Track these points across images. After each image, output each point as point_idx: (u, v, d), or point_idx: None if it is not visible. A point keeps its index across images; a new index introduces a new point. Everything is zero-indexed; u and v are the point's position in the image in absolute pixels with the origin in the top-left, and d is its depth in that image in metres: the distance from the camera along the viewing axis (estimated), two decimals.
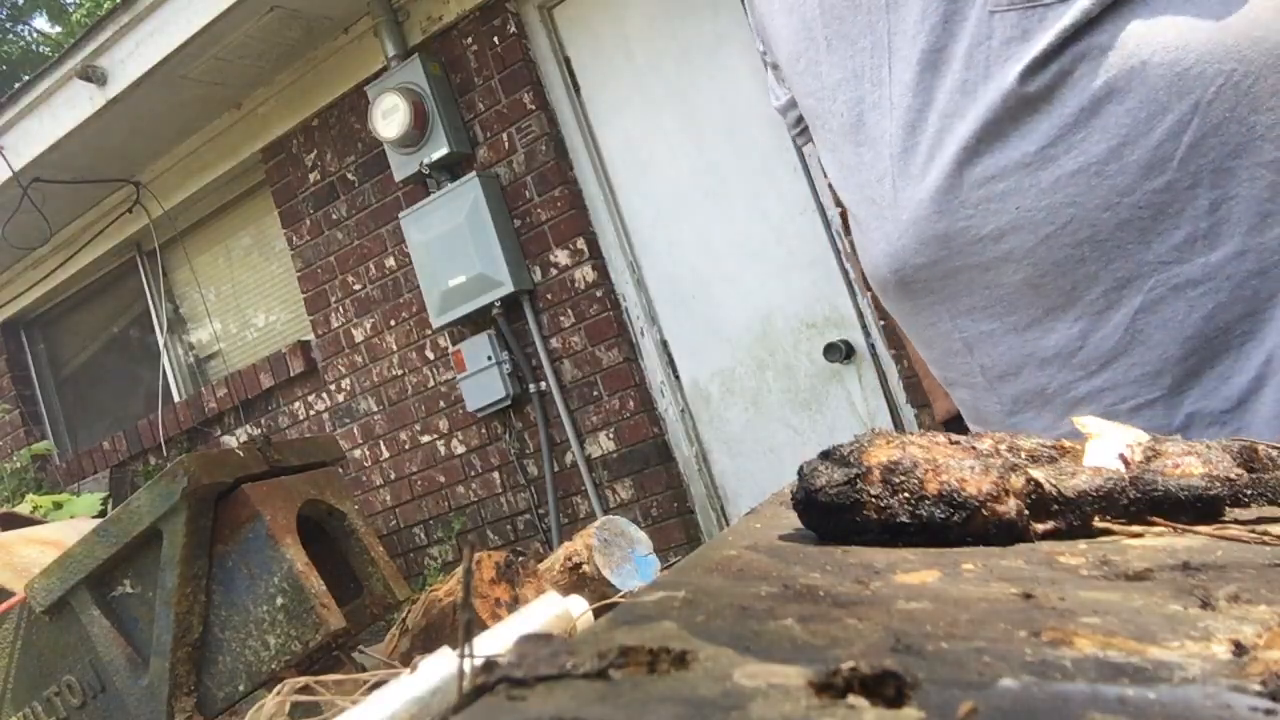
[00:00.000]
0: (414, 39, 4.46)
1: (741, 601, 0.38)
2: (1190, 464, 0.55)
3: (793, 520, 0.53)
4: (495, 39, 4.30)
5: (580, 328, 4.20)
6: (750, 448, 4.03)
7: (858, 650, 0.31)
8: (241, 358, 5.46)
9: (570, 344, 4.24)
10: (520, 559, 1.24)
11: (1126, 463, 0.57)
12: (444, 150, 4.29)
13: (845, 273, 3.71)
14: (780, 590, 0.40)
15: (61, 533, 1.78)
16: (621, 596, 1.23)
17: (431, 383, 4.61)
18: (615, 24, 4.16)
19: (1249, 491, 0.53)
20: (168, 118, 4.79)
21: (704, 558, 0.46)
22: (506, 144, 4.30)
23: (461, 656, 0.35)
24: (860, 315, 3.71)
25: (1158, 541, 0.49)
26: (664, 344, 4.15)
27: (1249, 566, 0.43)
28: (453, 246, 4.26)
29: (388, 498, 4.79)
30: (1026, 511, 0.50)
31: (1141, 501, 0.52)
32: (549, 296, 4.27)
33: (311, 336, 4.98)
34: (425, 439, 4.66)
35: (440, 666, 0.71)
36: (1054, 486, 0.51)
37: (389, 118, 4.28)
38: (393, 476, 4.77)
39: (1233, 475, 0.54)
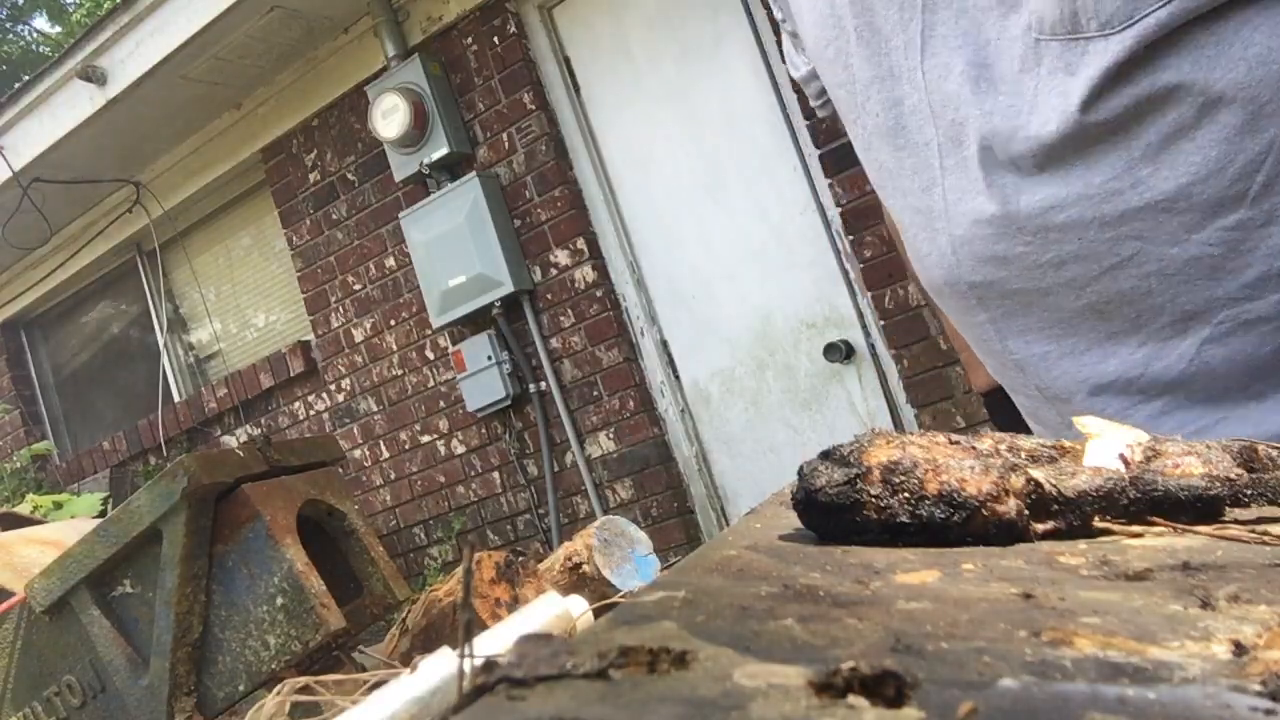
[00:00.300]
0: (414, 39, 4.46)
1: (741, 601, 0.38)
2: (1190, 464, 0.55)
3: (793, 520, 0.53)
4: (495, 39, 4.30)
5: (580, 328, 4.21)
6: (750, 448, 4.03)
7: (858, 650, 0.31)
8: (241, 358, 5.46)
9: (570, 344, 4.24)
10: (520, 559, 1.24)
11: (1126, 463, 0.57)
12: (444, 150, 4.29)
13: (845, 272, 3.72)
14: (780, 590, 0.40)
15: (61, 533, 1.78)
16: (621, 596, 1.23)
17: (431, 383, 4.61)
18: (615, 24, 4.16)
19: (1249, 491, 0.53)
20: (168, 118, 4.79)
21: (704, 558, 0.46)
22: (506, 144, 4.31)
23: (461, 656, 0.35)
24: (860, 315, 3.71)
25: (1158, 541, 0.49)
26: (664, 344, 4.15)
27: (1249, 566, 0.43)
28: (453, 246, 4.26)
29: (388, 498, 4.79)
30: (1026, 511, 0.50)
31: (1141, 501, 0.52)
32: (549, 296, 4.27)
33: (311, 336, 4.98)
34: (425, 439, 4.66)
35: (440, 666, 0.71)
36: (1054, 486, 0.51)
37: (389, 118, 4.28)
38: (393, 476, 4.77)
39: (1233, 475, 0.54)
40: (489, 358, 4.28)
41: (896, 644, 0.32)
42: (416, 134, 4.30)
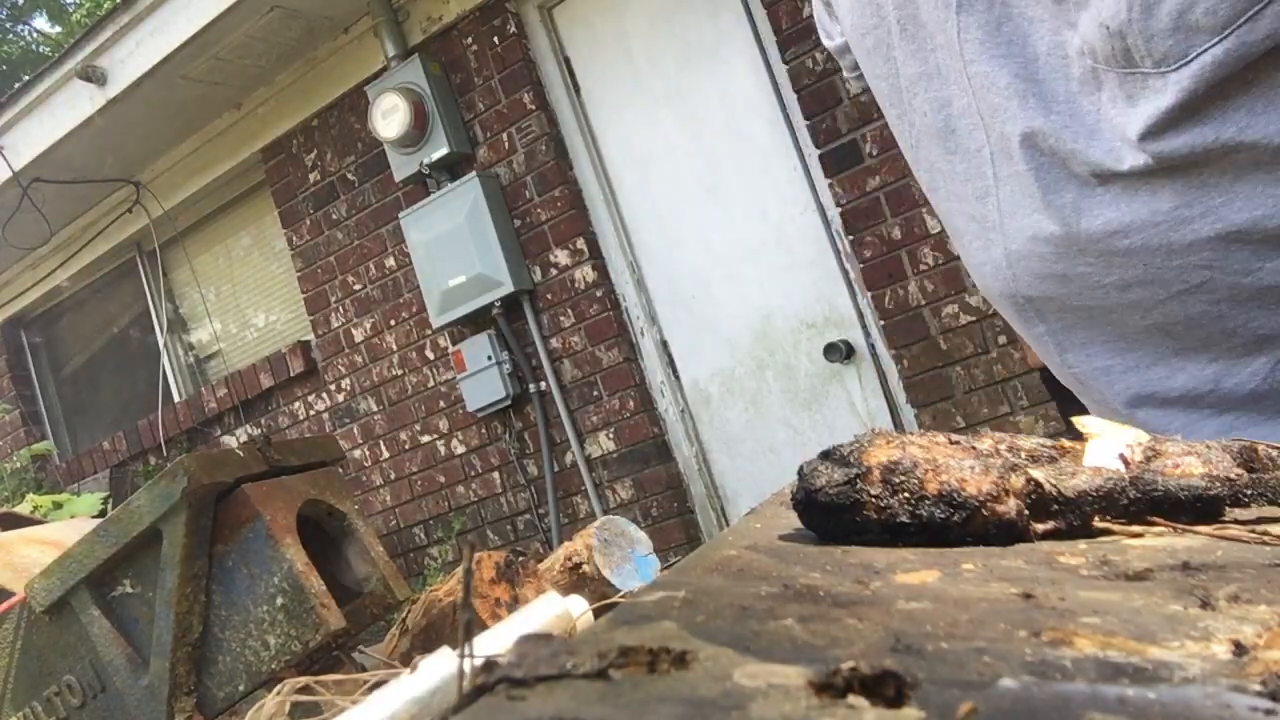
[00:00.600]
0: (414, 39, 4.46)
1: (741, 601, 0.38)
2: (1190, 464, 0.55)
3: (793, 520, 0.53)
4: (495, 39, 4.30)
5: (580, 328, 4.21)
6: (750, 448, 4.03)
7: (858, 650, 0.31)
8: (241, 358, 5.46)
9: (570, 344, 4.24)
10: (520, 559, 1.24)
11: (1126, 463, 0.57)
12: (444, 150, 4.29)
13: (845, 272, 3.72)
14: (780, 590, 0.40)
15: (61, 533, 1.78)
16: (621, 596, 1.23)
17: (431, 383, 4.61)
18: (615, 24, 4.16)
19: (1249, 491, 0.53)
20: (168, 118, 4.79)
21: (704, 558, 0.46)
22: (506, 144, 4.31)
23: (461, 656, 0.35)
24: (860, 315, 3.71)
25: (1158, 541, 0.49)
26: (664, 344, 4.15)
27: (1249, 566, 0.43)
28: (453, 246, 4.26)
29: (388, 498, 4.79)
30: (1026, 511, 0.50)
31: (1141, 501, 0.52)
32: (549, 296, 4.27)
33: (311, 336, 4.98)
34: (425, 439, 4.66)
35: (440, 666, 0.71)
36: (1054, 486, 0.51)
37: (389, 118, 4.28)
38: (393, 476, 4.77)
39: (1233, 475, 0.54)
40: (489, 358, 4.28)
41: (896, 644, 0.32)
42: (416, 134, 4.30)
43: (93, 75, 4.41)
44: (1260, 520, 0.53)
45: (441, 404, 4.59)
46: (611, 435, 4.18)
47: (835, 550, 0.48)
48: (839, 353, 3.72)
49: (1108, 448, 0.59)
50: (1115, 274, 0.86)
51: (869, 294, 3.63)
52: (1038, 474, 0.51)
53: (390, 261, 4.67)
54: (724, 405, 4.07)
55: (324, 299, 4.89)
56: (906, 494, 0.49)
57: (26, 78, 4.73)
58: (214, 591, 1.30)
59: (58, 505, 3.85)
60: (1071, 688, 0.28)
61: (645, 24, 4.09)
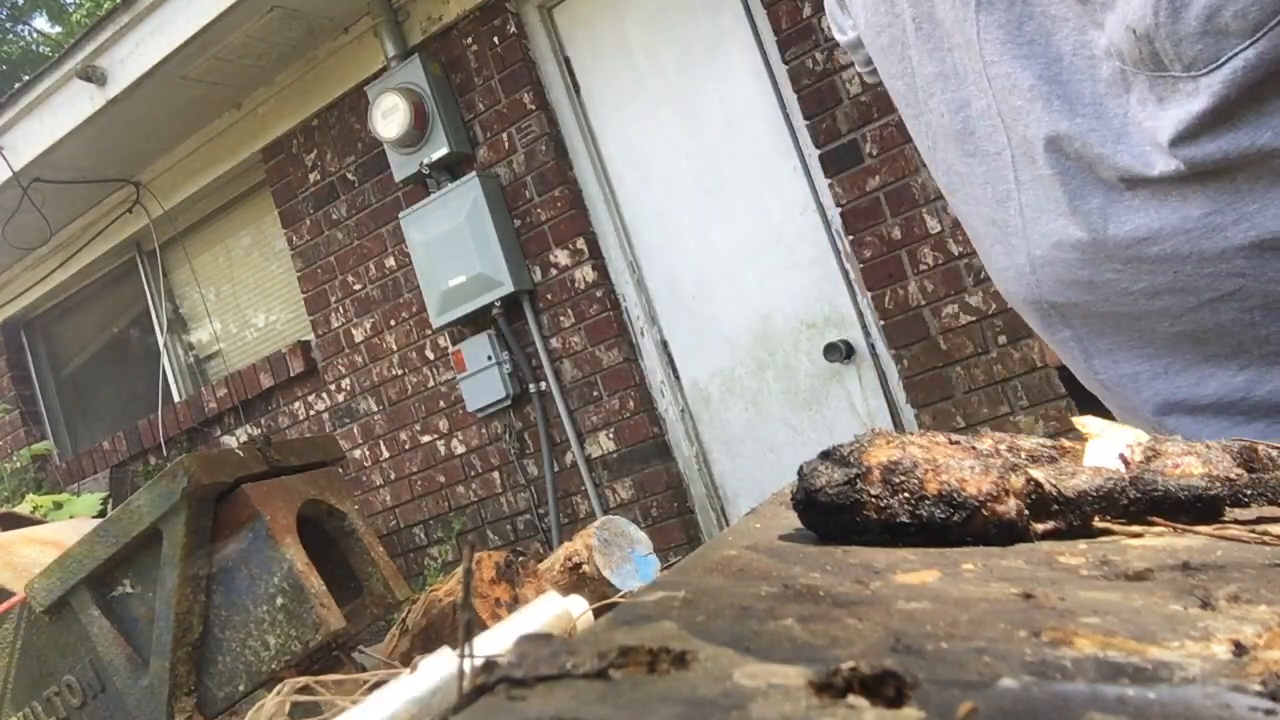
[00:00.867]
0: (414, 39, 4.46)
1: (741, 601, 0.38)
2: (1190, 464, 0.55)
3: (793, 520, 0.53)
4: (495, 39, 4.30)
5: (580, 328, 4.21)
6: (750, 448, 4.03)
7: (858, 650, 0.31)
8: (241, 358, 5.46)
9: (570, 344, 4.24)
10: (520, 559, 1.24)
11: (1126, 463, 0.57)
12: (444, 150, 4.29)
13: (845, 272, 3.72)
14: (780, 590, 0.40)
15: (61, 533, 1.78)
16: (621, 596, 1.23)
17: (431, 383, 4.62)
18: (615, 24, 4.16)
19: (1249, 491, 0.53)
20: (167, 118, 4.79)
21: (704, 558, 0.46)
22: (506, 144, 4.31)
23: (461, 657, 0.35)
24: (860, 315, 3.71)
25: (1158, 541, 0.49)
26: (664, 344, 4.15)
27: (1249, 566, 0.43)
28: (453, 246, 4.26)
29: (388, 498, 4.79)
30: (1026, 511, 0.50)
31: (1141, 501, 0.52)
32: (549, 296, 4.27)
33: (311, 336, 4.98)
34: (425, 439, 4.66)
35: (440, 666, 0.71)
36: (1054, 486, 0.51)
37: (389, 118, 4.28)
38: (393, 476, 4.77)
39: (1233, 475, 0.54)
40: (489, 358, 4.28)
41: (896, 644, 0.32)
42: (416, 134, 4.30)
43: (93, 75, 4.41)
44: (1260, 520, 0.53)
45: (441, 404, 4.59)
46: (611, 435, 4.18)
47: (835, 550, 0.48)
48: (839, 353, 3.72)
49: (1108, 447, 0.59)
50: (1144, 281, 0.84)
51: (869, 294, 3.63)
52: (1038, 474, 0.51)
53: (390, 261, 4.67)
54: (724, 405, 4.07)
55: (324, 299, 4.90)
56: (906, 494, 0.49)
57: (26, 78, 4.72)
58: (214, 591, 1.30)
59: (58, 505, 3.86)
60: (1071, 688, 0.28)
61: (645, 24, 4.09)
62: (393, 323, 4.70)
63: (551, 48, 4.29)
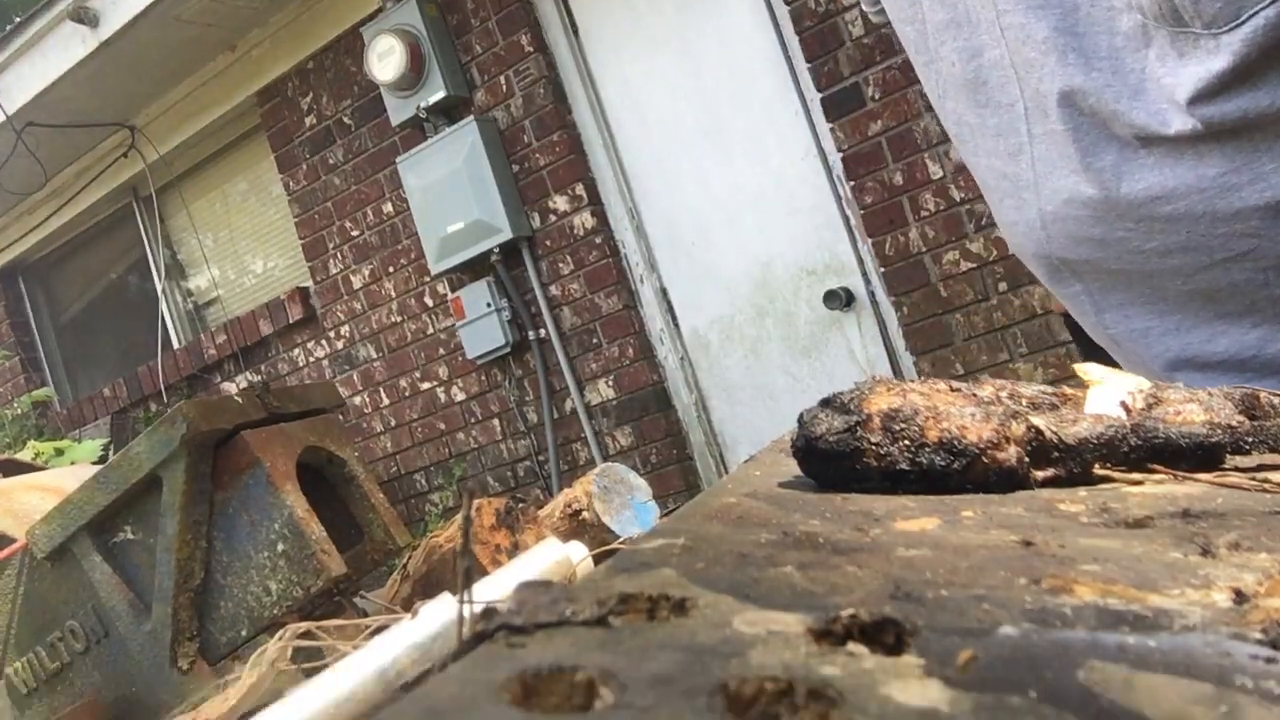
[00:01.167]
0: None
1: (741, 549, 0.38)
2: (1191, 411, 0.55)
3: (792, 468, 0.53)
4: None
5: (579, 275, 4.19)
6: (749, 395, 4.03)
7: (857, 597, 0.31)
8: (240, 304, 5.45)
9: (569, 291, 4.22)
10: (520, 505, 1.25)
11: (1128, 410, 0.57)
12: (441, 94, 4.24)
13: (846, 219, 3.69)
14: (780, 538, 0.39)
15: (62, 479, 1.79)
16: (621, 543, 1.24)
17: (430, 329, 4.61)
18: None
19: (1250, 439, 0.53)
20: (161, 60, 4.73)
21: (703, 505, 0.46)
22: (504, 87, 4.25)
23: (461, 603, 0.35)
24: (860, 262, 3.69)
25: (1158, 489, 0.49)
26: (663, 291, 4.14)
27: (1249, 514, 0.43)
28: (450, 192, 4.23)
29: (388, 444, 4.81)
30: (1027, 459, 0.50)
31: (1142, 449, 0.52)
32: (548, 243, 4.24)
33: (310, 283, 4.97)
34: (425, 386, 4.66)
35: (441, 613, 0.72)
36: (1055, 434, 0.51)
37: (385, 60, 4.22)
38: (393, 423, 4.79)
39: (1234, 423, 0.54)
40: (488, 304, 4.27)
41: (896, 591, 0.32)
42: (413, 77, 4.24)
43: (84, 17, 4.34)
44: (1261, 468, 0.52)
45: (441, 351, 4.59)
46: (611, 383, 4.19)
47: (835, 498, 0.48)
48: (839, 300, 3.71)
49: (1109, 395, 0.58)
50: (1156, 240, 0.83)
51: (869, 240, 3.61)
52: (1039, 421, 0.51)
53: (388, 207, 4.64)
54: (723, 353, 4.07)
55: (322, 245, 4.87)
56: (907, 441, 0.48)
57: (18, 19, 4.65)
58: (215, 538, 1.31)
59: (59, 452, 3.87)
60: (1071, 635, 0.28)
61: None
62: (391, 269, 4.68)
63: None
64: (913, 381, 0.54)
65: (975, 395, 0.54)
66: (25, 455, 3.56)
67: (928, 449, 0.48)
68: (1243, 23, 0.71)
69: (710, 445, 4.12)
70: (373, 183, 4.66)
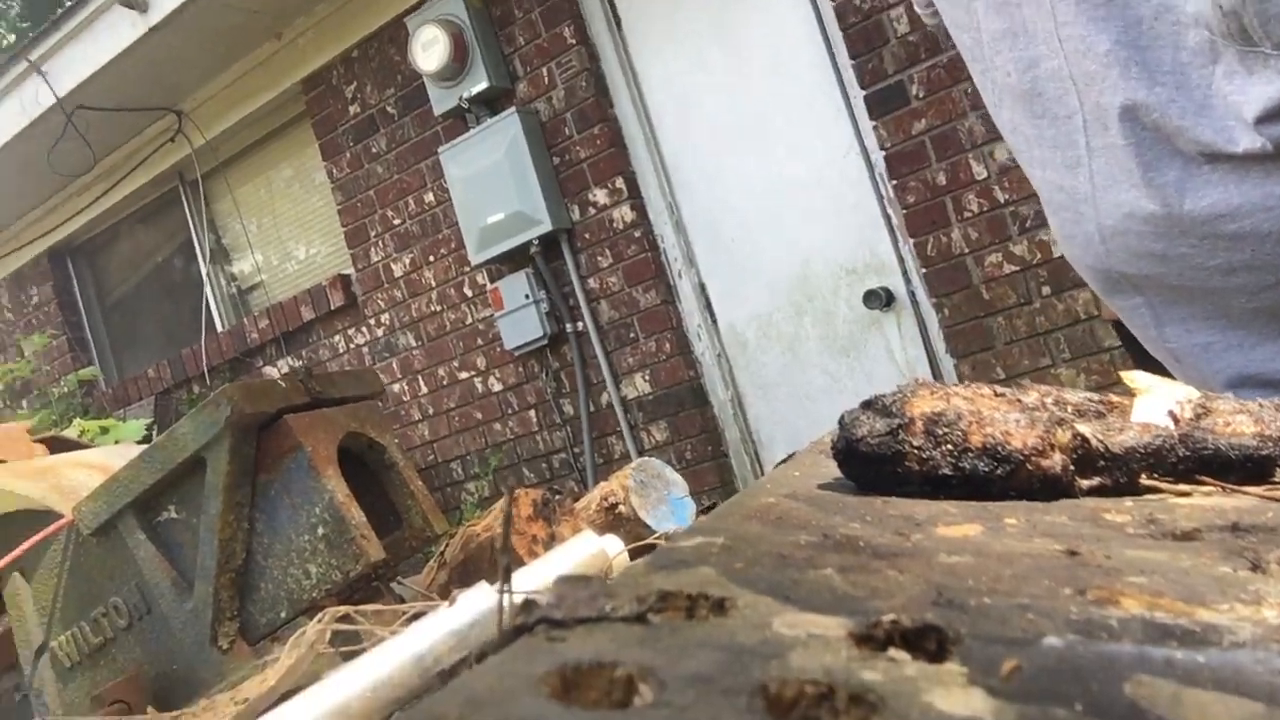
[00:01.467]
0: None
1: (781, 550, 0.38)
2: (1241, 423, 0.54)
3: (832, 469, 0.52)
4: None
5: (618, 268, 4.19)
6: (786, 393, 4.02)
7: (899, 603, 0.31)
8: (283, 289, 5.51)
9: (608, 284, 4.23)
10: (557, 497, 1.25)
11: (1176, 420, 0.56)
12: (483, 84, 4.25)
13: (888, 218, 3.66)
14: (819, 540, 0.39)
15: (108, 457, 1.82)
16: (657, 538, 1.24)
17: (469, 319, 4.64)
18: None
19: None
20: (209, 46, 4.79)
21: (742, 505, 0.46)
22: (546, 79, 4.26)
23: (501, 593, 0.35)
24: (901, 262, 3.66)
25: (1206, 501, 0.48)
26: (701, 286, 4.13)
27: None
28: (491, 183, 4.24)
29: (425, 432, 4.85)
30: (1072, 467, 0.49)
31: (1190, 460, 0.51)
32: (587, 236, 4.25)
33: (351, 270, 5.01)
34: (463, 375, 4.69)
35: (478, 601, 0.73)
36: (1101, 442, 0.50)
37: (429, 50, 4.25)
38: (430, 412, 4.83)
39: None
40: (526, 296, 4.28)
41: (938, 598, 0.32)
42: (456, 67, 4.26)
43: (134, 2, 4.40)
44: None
45: (479, 341, 4.62)
46: (647, 377, 4.19)
47: (875, 501, 0.47)
48: (879, 300, 3.68)
49: (1157, 404, 0.57)
50: (1220, 257, 0.82)
51: (911, 240, 3.58)
52: (1084, 429, 0.50)
53: (429, 197, 4.67)
54: (760, 350, 4.05)
55: (364, 233, 4.91)
56: (950, 446, 0.48)
57: (69, 3, 4.73)
58: (257, 520, 1.32)
59: (104, 430, 3.94)
60: (1118, 648, 0.28)
61: None
62: (431, 259, 4.71)
63: None
64: (955, 385, 0.53)
65: (1020, 401, 0.53)
66: (71, 433, 3.63)
67: (971, 454, 0.48)
68: None
69: (745, 443, 4.11)
70: (415, 172, 4.69)
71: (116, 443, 3.57)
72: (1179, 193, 0.80)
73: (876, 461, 0.49)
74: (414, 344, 4.83)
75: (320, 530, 1.27)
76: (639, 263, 4.15)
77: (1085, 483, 0.50)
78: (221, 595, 1.29)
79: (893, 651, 0.27)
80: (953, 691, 0.24)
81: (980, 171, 3.38)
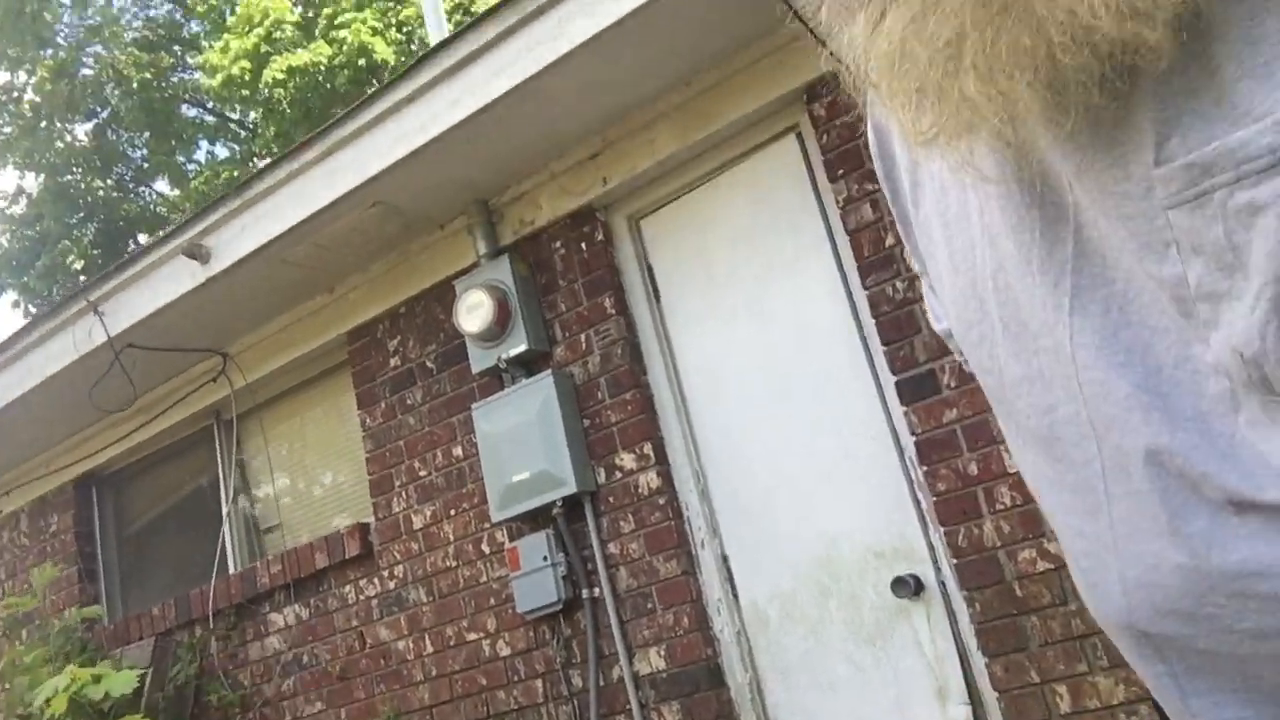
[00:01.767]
0: (505, 239, 4.62)
1: None
2: None
3: None
4: (583, 244, 4.43)
5: (640, 534, 4.11)
6: (808, 681, 3.81)
7: None
8: (301, 534, 5.45)
9: (629, 550, 4.14)
10: None
11: None
12: (523, 347, 4.35)
13: (917, 502, 3.60)
14: None
15: None
16: None
17: (484, 578, 4.52)
18: (699, 236, 4.26)
19: None
20: (262, 296, 4.98)
21: None
22: (584, 344, 4.36)
23: None
24: (931, 549, 3.56)
25: None
26: (724, 558, 4.03)
27: None
28: (520, 441, 4.25)
29: (426, 696, 4.62)
30: None
31: None
32: (611, 499, 4.20)
33: (371, 519, 4.96)
34: (471, 636, 4.52)
35: None
36: None
37: (473, 313, 4.39)
38: (434, 673, 4.62)
39: None
40: (544, 558, 4.18)
41: None
42: (498, 330, 4.38)
43: (197, 253, 4.63)
44: None
45: (492, 601, 4.48)
46: (663, 653, 4.01)
47: None
48: (908, 588, 3.56)
49: None
50: (1250, 619, 0.74)
51: (942, 529, 3.49)
52: None
53: (458, 450, 4.68)
54: (782, 631, 3.88)
55: (389, 482, 4.90)
56: None
57: (134, 248, 4.98)
58: None
59: (96, 679, 3.78)
60: None
61: (728, 237, 4.19)
62: (453, 512, 4.66)
63: (636, 255, 4.39)
64: None
65: None
66: (63, 680, 3.47)
67: None
68: None
69: None
70: (446, 425, 4.73)
71: (107, 694, 3.41)
72: (1206, 544, 0.74)
73: None
74: (425, 599, 4.69)
75: None
76: (662, 530, 4.07)
77: None
78: None
79: None
80: None
81: (1013, 465, 3.34)
